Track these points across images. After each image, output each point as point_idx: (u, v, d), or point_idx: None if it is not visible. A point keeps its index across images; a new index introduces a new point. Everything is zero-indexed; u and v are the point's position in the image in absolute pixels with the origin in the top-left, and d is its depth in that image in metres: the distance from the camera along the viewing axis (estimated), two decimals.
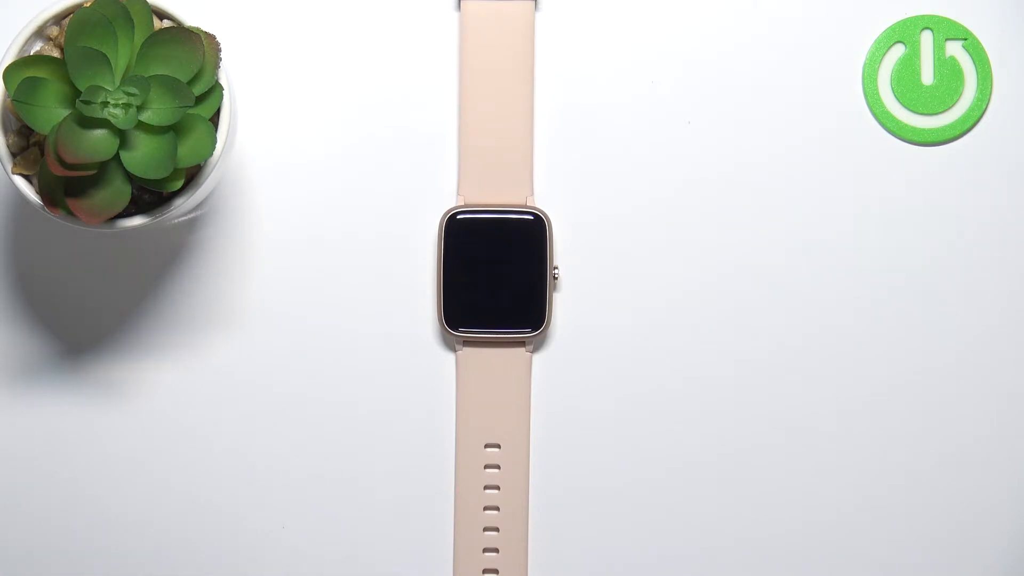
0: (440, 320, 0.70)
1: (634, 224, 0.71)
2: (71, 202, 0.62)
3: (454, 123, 0.71)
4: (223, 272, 0.71)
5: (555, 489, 0.71)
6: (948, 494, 0.71)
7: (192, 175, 0.65)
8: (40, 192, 0.63)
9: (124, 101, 0.61)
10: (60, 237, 0.71)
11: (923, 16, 0.72)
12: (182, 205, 0.65)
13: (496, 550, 0.71)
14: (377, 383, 0.71)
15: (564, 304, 0.71)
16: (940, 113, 0.71)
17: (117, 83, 0.62)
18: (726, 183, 0.71)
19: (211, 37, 0.64)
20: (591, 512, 0.71)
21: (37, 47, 0.65)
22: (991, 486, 0.71)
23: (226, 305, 0.71)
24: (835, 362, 0.71)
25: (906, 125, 0.71)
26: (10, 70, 0.62)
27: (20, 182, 0.64)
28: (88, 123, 0.61)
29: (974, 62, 0.71)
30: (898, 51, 0.72)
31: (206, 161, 0.64)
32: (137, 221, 0.64)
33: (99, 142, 0.61)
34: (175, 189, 0.63)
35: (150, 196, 0.65)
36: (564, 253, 0.71)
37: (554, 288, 0.71)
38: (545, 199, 0.71)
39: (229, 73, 0.66)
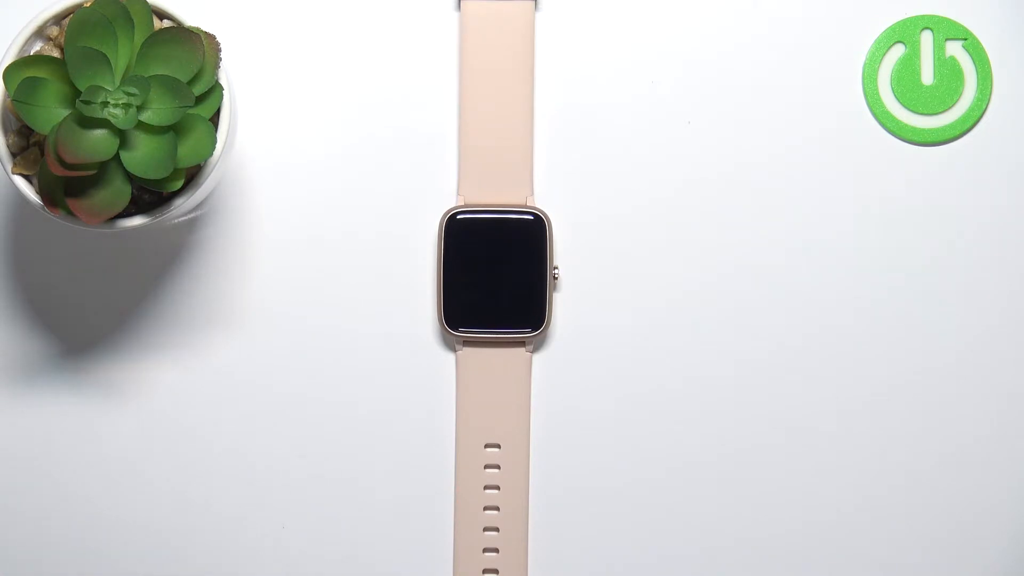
0: (440, 320, 0.70)
1: (634, 224, 0.71)
2: (71, 202, 0.62)
3: (454, 123, 0.71)
4: (223, 272, 0.71)
5: (555, 489, 0.71)
6: (948, 494, 0.71)
7: (192, 175, 0.65)
8: (40, 192, 0.63)
9: (124, 101, 0.61)
10: (60, 237, 0.71)
11: (923, 16, 0.72)
12: (182, 205, 0.65)
13: (496, 550, 0.71)
14: (377, 383, 0.71)
15: (564, 304, 0.71)
16: (940, 113, 0.71)
17: (117, 83, 0.62)
18: (726, 183, 0.71)
19: (211, 37, 0.64)
20: (591, 512, 0.71)
21: (37, 47, 0.65)
22: (991, 486, 0.71)
23: (226, 305, 0.71)
24: (835, 362, 0.71)
25: (906, 125, 0.71)
26: (10, 70, 0.62)
27: (20, 182, 0.64)
28: (88, 123, 0.61)
29: (974, 62, 0.71)
30: (898, 51, 0.72)
31: (206, 161, 0.64)
32: (137, 221, 0.64)
33: (99, 142, 0.61)
34: (175, 189, 0.63)
35: (150, 196, 0.65)
36: (564, 253, 0.71)
37: (554, 288, 0.71)
38: (545, 199, 0.71)
39: (229, 73, 0.66)
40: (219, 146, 0.64)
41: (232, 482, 0.71)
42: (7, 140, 0.64)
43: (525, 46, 0.71)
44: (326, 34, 0.71)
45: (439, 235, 0.70)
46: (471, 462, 0.71)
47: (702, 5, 0.72)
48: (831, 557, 0.71)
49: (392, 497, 0.71)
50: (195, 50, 0.63)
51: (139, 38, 0.63)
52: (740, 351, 0.71)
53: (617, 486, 0.71)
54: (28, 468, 0.71)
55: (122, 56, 0.62)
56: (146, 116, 0.62)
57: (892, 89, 0.71)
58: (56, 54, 0.65)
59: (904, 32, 0.72)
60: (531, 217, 0.70)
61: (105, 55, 0.61)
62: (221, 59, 0.64)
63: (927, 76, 0.72)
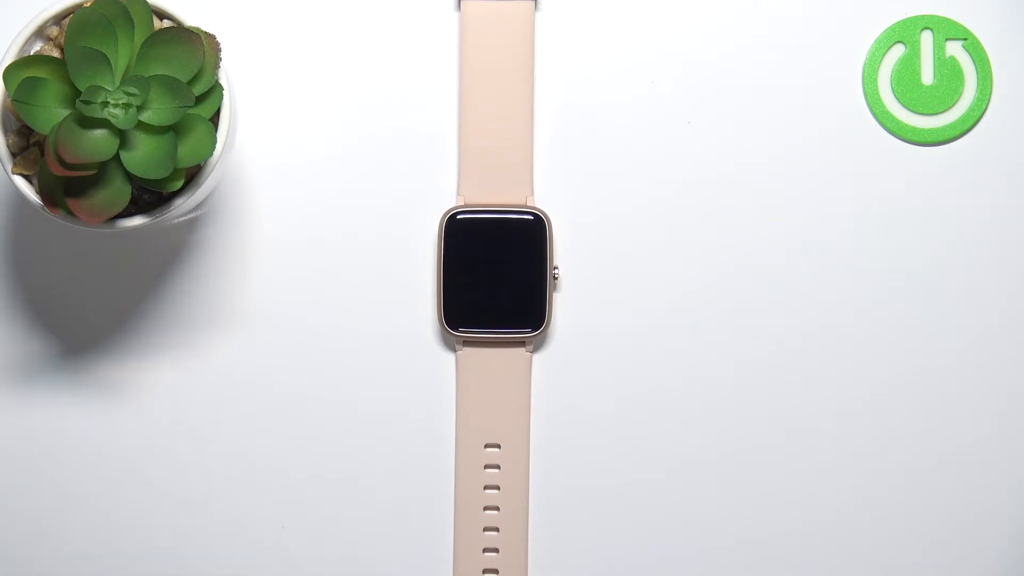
0: (440, 320, 0.70)
1: (634, 224, 0.71)
2: (71, 202, 0.62)
3: (454, 123, 0.71)
4: (223, 272, 0.71)
5: (555, 489, 0.71)
6: (948, 494, 0.71)
7: (192, 175, 0.65)
8: (40, 192, 0.63)
9: (124, 101, 0.61)
10: (60, 237, 0.71)
11: (923, 16, 0.72)
12: (182, 205, 0.65)
13: (496, 550, 0.71)
14: (377, 383, 0.71)
15: (564, 304, 0.71)
16: (940, 113, 0.71)
17: (117, 83, 0.62)
18: (726, 183, 0.71)
19: (211, 37, 0.64)
20: (591, 512, 0.71)
21: (37, 47, 0.65)
22: (991, 486, 0.71)
23: (226, 305, 0.71)
24: (835, 362, 0.71)
25: (906, 125, 0.71)
26: (10, 70, 0.62)
27: (20, 182, 0.64)
28: (88, 123, 0.61)
29: (974, 62, 0.71)
30: (898, 51, 0.72)
31: (206, 161, 0.64)
32: (137, 221, 0.64)
33: (99, 142, 0.61)
34: (175, 189, 0.63)
35: (150, 196, 0.65)
36: (564, 253, 0.71)
37: (554, 288, 0.71)
38: (545, 199, 0.71)
39: (229, 73, 0.66)
40: (219, 146, 0.64)
41: (232, 482, 0.71)
42: (7, 140, 0.64)
43: (525, 46, 0.71)
44: (326, 34, 0.71)
45: (439, 235, 0.70)
46: (471, 462, 0.71)
47: (702, 5, 0.72)
48: (831, 557, 0.71)
49: (392, 497, 0.71)
50: (195, 50, 0.63)
51: (139, 38, 0.63)
52: (740, 351, 0.71)
53: (617, 486, 0.71)
54: (28, 468, 0.71)
55: (122, 56, 0.62)
56: (146, 116, 0.62)
57: (892, 89, 0.71)
58: (56, 54, 0.65)
59: (904, 32, 0.72)
60: (531, 217, 0.70)
61: (105, 55, 0.61)
62: (221, 59, 0.64)
63: (927, 76, 0.72)
